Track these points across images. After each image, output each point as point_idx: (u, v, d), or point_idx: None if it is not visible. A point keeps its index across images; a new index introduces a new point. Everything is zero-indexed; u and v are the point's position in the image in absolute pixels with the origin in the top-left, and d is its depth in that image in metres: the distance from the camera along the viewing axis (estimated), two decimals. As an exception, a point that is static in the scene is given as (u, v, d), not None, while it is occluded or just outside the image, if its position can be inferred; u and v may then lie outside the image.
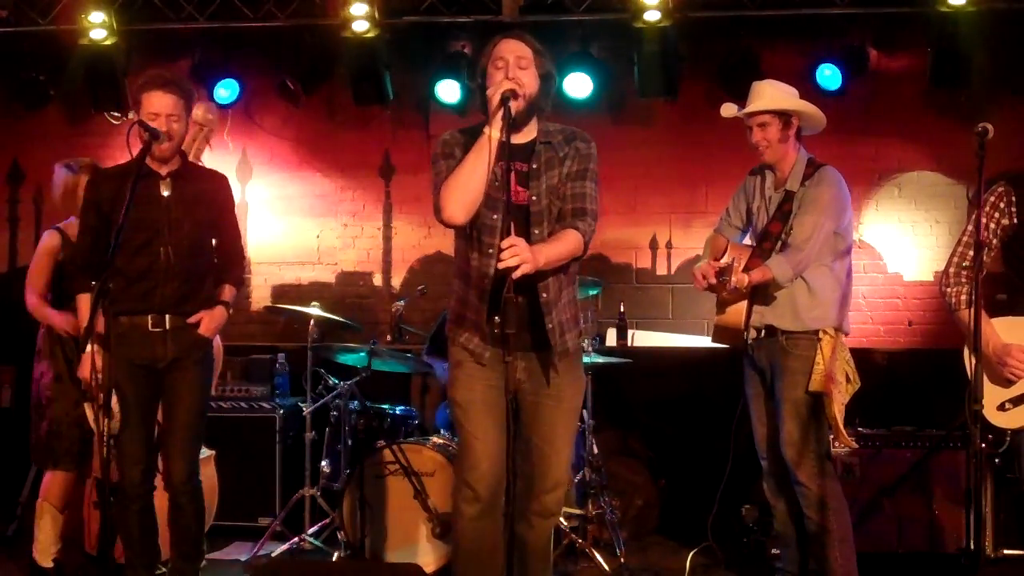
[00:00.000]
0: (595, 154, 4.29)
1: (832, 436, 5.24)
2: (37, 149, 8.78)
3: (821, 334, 5.08)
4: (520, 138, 4.17)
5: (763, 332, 5.22)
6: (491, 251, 4.12)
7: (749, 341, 5.26)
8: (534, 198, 4.17)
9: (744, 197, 5.48)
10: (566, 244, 4.12)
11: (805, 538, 5.21)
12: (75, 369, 5.68)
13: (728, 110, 5.35)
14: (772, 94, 5.25)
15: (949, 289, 4.64)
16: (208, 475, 5.50)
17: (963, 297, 4.58)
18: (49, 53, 8.22)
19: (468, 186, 4.04)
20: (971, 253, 4.54)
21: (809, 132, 5.35)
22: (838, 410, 5.04)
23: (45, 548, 5.78)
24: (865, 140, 7.61)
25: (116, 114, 8.36)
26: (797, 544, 5.30)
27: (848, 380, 5.13)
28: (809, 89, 5.29)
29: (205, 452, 5.28)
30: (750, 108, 5.22)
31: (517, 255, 3.79)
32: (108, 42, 7.93)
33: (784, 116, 5.20)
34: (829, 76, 7.57)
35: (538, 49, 4.22)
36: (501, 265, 3.79)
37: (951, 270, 4.65)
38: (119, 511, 4.92)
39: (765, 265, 5.06)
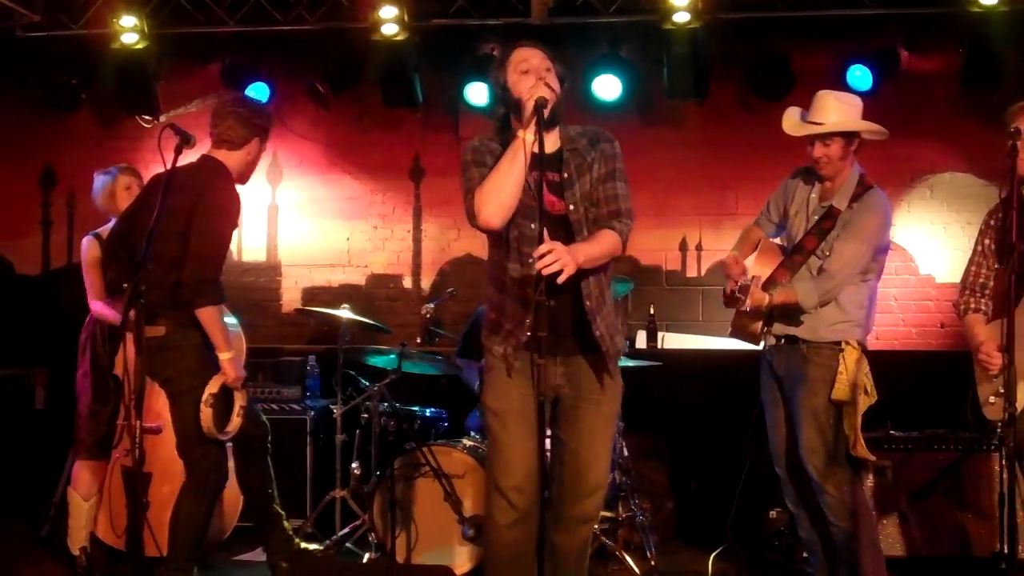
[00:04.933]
0: (620, 153, 4.25)
1: (849, 448, 5.17)
2: (69, 152, 8.86)
3: (844, 344, 5.00)
4: (547, 147, 4.13)
5: (783, 340, 5.14)
6: (531, 260, 4.05)
7: (768, 347, 5.21)
8: (571, 207, 4.14)
9: (785, 197, 5.34)
10: (604, 243, 4.09)
11: (831, 544, 5.16)
12: (100, 363, 5.86)
13: (790, 121, 5.17)
14: (840, 112, 5.06)
15: (957, 298, 5.06)
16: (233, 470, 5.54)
17: (961, 308, 5.03)
18: (81, 57, 8.29)
19: (504, 189, 4.01)
20: (973, 268, 5.03)
21: (873, 139, 5.20)
22: (858, 422, 4.97)
23: (73, 534, 5.96)
24: (896, 141, 7.50)
25: (147, 117, 8.43)
26: (824, 549, 5.26)
27: (865, 393, 5.03)
28: (840, 90, 5.22)
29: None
30: (819, 130, 5.03)
31: (557, 259, 3.78)
32: (139, 46, 8.01)
33: (849, 134, 5.07)
34: (860, 77, 7.54)
35: (552, 56, 4.21)
36: (545, 272, 3.76)
37: (960, 285, 5.08)
38: (204, 507, 5.07)
39: (791, 287, 4.97)
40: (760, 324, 5.14)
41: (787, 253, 5.21)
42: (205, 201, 4.86)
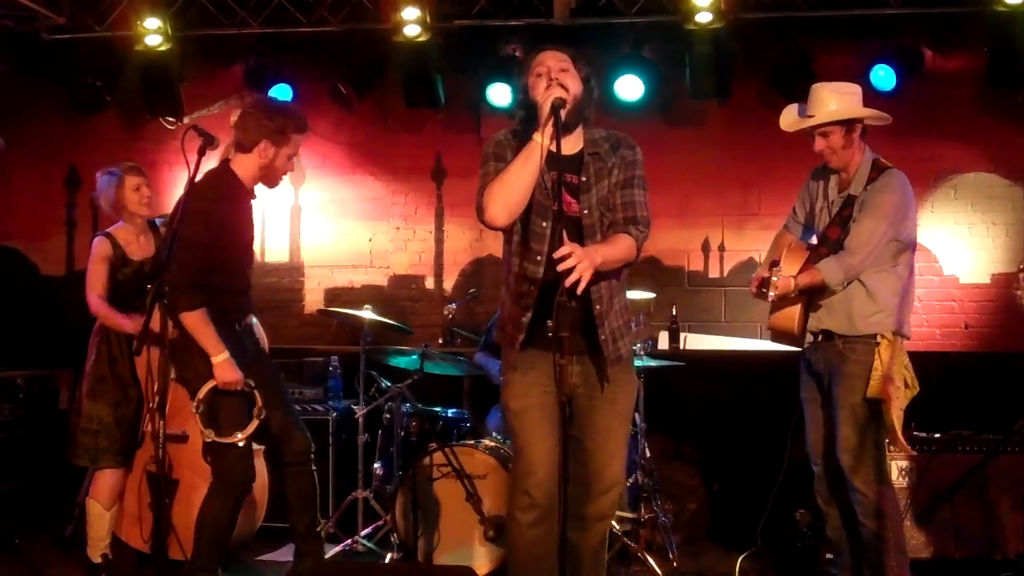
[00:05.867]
0: (641, 160, 4.27)
1: (888, 442, 5.15)
2: (93, 154, 8.88)
3: (879, 338, 4.97)
4: (568, 148, 4.14)
5: (820, 336, 5.13)
6: (539, 258, 4.14)
7: (806, 345, 5.20)
8: (586, 211, 4.16)
9: (808, 195, 5.36)
10: (620, 247, 4.12)
11: (858, 544, 5.14)
12: (119, 369, 5.84)
13: (788, 118, 5.23)
14: (833, 102, 5.08)
15: (1020, 291, 4.71)
16: (259, 470, 5.55)
17: None
18: (105, 59, 8.34)
19: (513, 189, 4.04)
20: None
21: (876, 124, 5.19)
22: (896, 416, 4.94)
23: (94, 544, 5.91)
24: (920, 141, 7.54)
25: (171, 119, 8.47)
26: (850, 550, 5.23)
27: (907, 385, 5.03)
28: (863, 90, 5.21)
29: (255, 446, 5.34)
30: (811, 122, 5.08)
31: (577, 263, 3.76)
32: (163, 48, 8.05)
33: (846, 122, 5.07)
34: (883, 77, 7.52)
35: (575, 56, 4.21)
36: (568, 281, 3.75)
37: (1022, 274, 4.73)
38: (228, 508, 5.06)
39: (815, 268, 4.98)
40: (796, 323, 5.13)
41: (813, 248, 5.20)
42: (183, 206, 4.81)
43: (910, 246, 5.14)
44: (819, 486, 5.27)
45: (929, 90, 7.77)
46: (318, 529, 5.43)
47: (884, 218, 4.97)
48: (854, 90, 5.19)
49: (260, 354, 5.30)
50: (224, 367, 4.90)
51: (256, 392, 4.97)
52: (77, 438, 5.87)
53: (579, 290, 3.80)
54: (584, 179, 4.18)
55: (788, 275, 4.97)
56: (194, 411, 4.89)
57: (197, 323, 4.87)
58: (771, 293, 4.85)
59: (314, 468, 5.32)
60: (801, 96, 5.28)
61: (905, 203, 5.07)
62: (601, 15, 7.86)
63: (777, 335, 5.29)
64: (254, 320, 5.43)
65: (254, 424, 4.97)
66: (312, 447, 5.33)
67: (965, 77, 7.83)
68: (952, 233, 7.99)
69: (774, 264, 5.04)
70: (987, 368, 7.25)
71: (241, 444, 4.98)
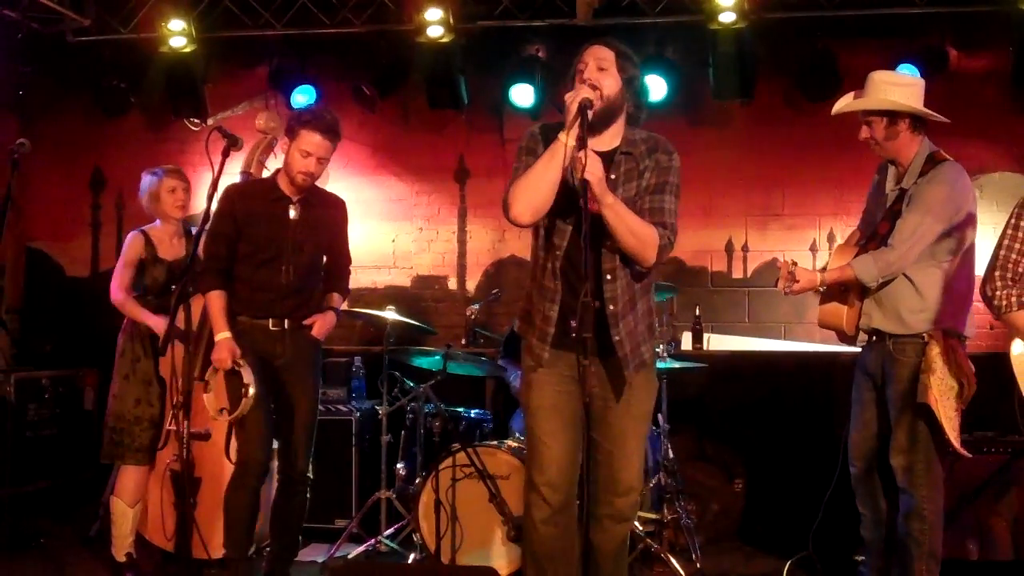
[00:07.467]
0: (677, 167, 4.25)
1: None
2: (118, 155, 8.95)
3: (927, 337, 4.89)
4: (602, 145, 4.14)
5: (874, 337, 5.07)
6: (559, 253, 4.16)
7: (861, 345, 5.16)
8: None
9: (873, 191, 5.29)
10: (641, 223, 4.07)
11: (891, 546, 5.10)
12: (143, 367, 5.90)
13: (841, 103, 5.16)
14: (883, 91, 5.01)
15: (999, 292, 4.62)
16: (274, 472, 5.58)
17: (1013, 299, 4.59)
18: (130, 61, 8.38)
19: (536, 189, 4.05)
20: (1014, 256, 4.60)
21: (934, 119, 5.08)
22: (947, 417, 4.82)
23: (118, 542, 5.95)
24: (945, 141, 7.42)
25: (195, 120, 8.51)
26: (882, 552, 5.19)
27: (961, 386, 4.89)
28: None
29: (276, 444, 5.39)
30: (854, 106, 5.04)
31: (593, 168, 3.83)
32: (187, 49, 8.10)
33: (888, 114, 4.99)
34: (908, 76, 7.48)
35: (622, 52, 4.20)
36: (585, 175, 3.80)
37: (997, 273, 4.63)
38: (235, 493, 5.18)
39: (847, 265, 4.93)
40: (845, 320, 5.09)
41: (863, 244, 5.13)
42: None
43: (964, 239, 5.01)
44: (856, 486, 5.22)
45: (954, 89, 7.70)
46: (294, 556, 5.57)
47: (929, 212, 4.87)
48: (910, 82, 5.13)
49: (301, 363, 5.36)
50: (218, 345, 5.08)
51: (244, 372, 5.04)
52: (103, 436, 5.94)
53: (593, 189, 3.85)
54: (612, 176, 4.16)
55: (812, 272, 4.97)
56: (203, 389, 5.10)
57: (207, 302, 5.19)
58: (780, 283, 4.87)
59: (308, 495, 5.43)
60: (823, 96, 5.29)
61: (956, 195, 4.95)
62: (624, 15, 7.85)
63: (829, 329, 5.27)
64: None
65: (243, 404, 5.02)
66: (310, 477, 5.43)
67: (990, 76, 7.79)
68: (978, 233, 7.92)
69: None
70: (1013, 369, 7.18)
71: (227, 421, 5.12)
